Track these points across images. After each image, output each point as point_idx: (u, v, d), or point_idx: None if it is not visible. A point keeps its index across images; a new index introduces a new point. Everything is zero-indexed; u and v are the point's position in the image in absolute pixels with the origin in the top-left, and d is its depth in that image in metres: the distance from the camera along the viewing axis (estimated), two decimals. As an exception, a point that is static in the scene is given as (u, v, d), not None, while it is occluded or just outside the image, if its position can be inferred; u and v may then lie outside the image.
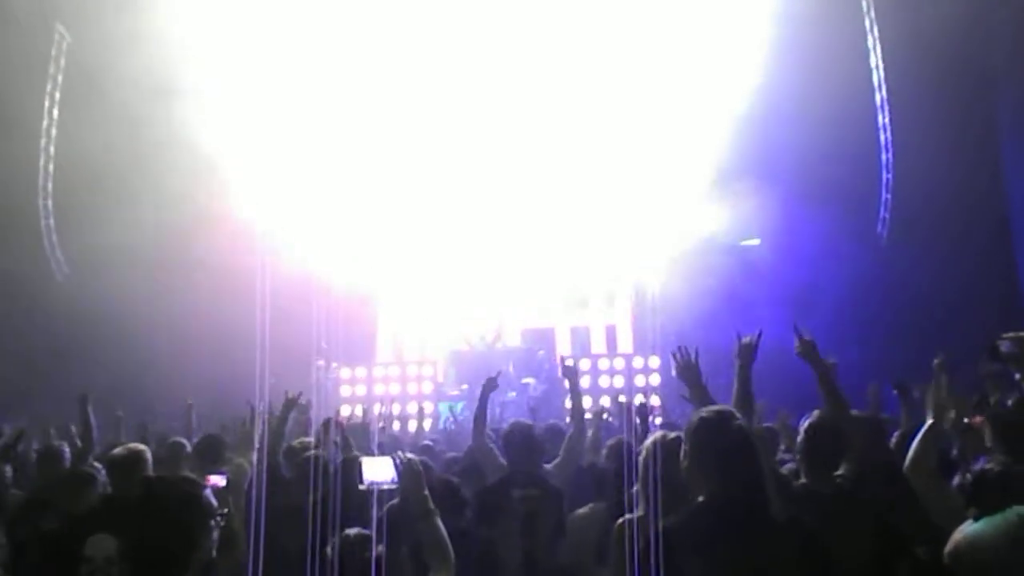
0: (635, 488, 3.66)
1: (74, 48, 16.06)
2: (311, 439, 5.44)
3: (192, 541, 2.61)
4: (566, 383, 6.41)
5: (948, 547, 3.25)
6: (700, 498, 2.87)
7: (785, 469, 4.40)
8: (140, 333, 14.09)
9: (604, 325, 16.67)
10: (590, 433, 6.24)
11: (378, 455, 3.66)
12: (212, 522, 2.70)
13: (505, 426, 5.47)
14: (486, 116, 14.90)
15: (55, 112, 16.17)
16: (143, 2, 13.12)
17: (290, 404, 5.60)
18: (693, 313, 13.74)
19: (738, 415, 3.00)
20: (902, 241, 14.77)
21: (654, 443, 3.48)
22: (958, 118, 13.69)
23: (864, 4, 15.22)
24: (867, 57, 15.31)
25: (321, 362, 13.07)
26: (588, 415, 6.45)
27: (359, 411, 12.69)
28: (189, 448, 5.91)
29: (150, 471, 4.36)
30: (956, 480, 3.96)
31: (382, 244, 15.29)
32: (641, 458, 3.54)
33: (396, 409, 14.16)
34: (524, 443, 5.08)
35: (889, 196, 15.19)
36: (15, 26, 14.64)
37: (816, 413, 4.06)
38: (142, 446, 4.61)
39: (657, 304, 12.60)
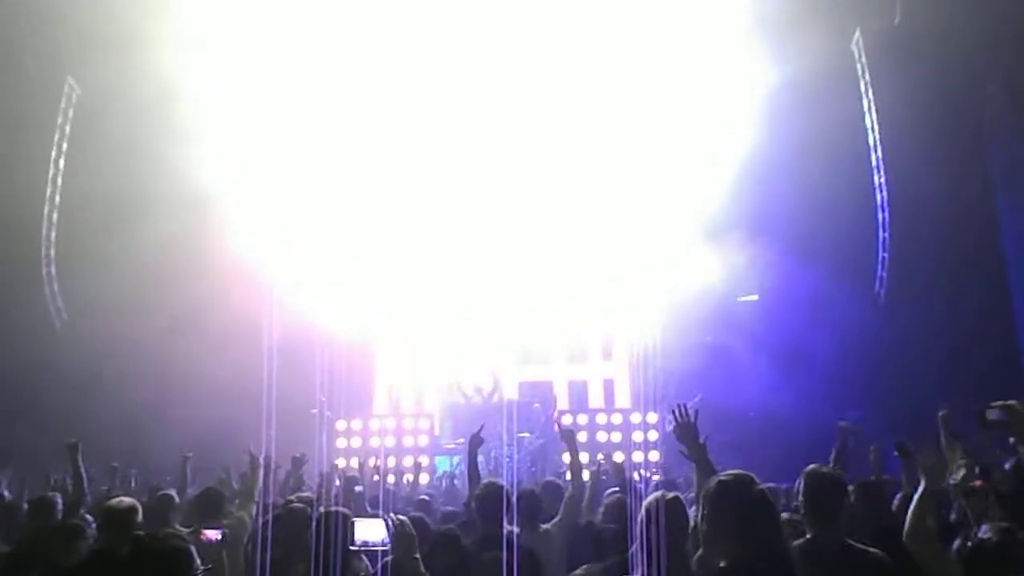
0: (633, 549, 3.61)
1: (82, 98, 16.32)
2: (310, 494, 5.38)
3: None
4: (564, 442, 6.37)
5: None
6: (722, 563, 2.83)
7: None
8: (137, 381, 14.04)
9: (602, 379, 16.63)
10: (587, 493, 6.19)
11: (370, 513, 3.64)
12: (198, 577, 2.69)
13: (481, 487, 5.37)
14: (487, 161, 15.01)
15: (61, 163, 16.35)
16: (146, 45, 13.33)
17: (298, 464, 5.57)
18: (691, 369, 13.75)
19: (757, 480, 2.97)
20: (899, 299, 14.81)
21: (655, 503, 3.45)
22: (953, 176, 13.84)
23: (859, 67, 15.52)
24: (863, 117, 15.55)
25: (315, 411, 13.00)
26: (586, 474, 6.41)
27: (355, 464, 12.58)
28: (178, 500, 5.83)
29: (138, 524, 4.31)
30: (956, 544, 3.92)
31: (381, 296, 15.31)
32: (640, 518, 3.50)
33: (391, 462, 14.05)
34: (497, 504, 4.98)
35: (886, 255, 15.27)
36: (25, 78, 14.92)
37: (813, 467, 4.03)
38: (132, 500, 4.56)
39: (655, 360, 12.60)
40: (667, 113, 14.74)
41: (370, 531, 3.48)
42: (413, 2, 14.36)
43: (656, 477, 9.02)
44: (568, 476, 6.11)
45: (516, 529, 5.04)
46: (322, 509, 4.59)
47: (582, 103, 14.79)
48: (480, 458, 14.23)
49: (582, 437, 14.13)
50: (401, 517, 3.42)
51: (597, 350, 16.89)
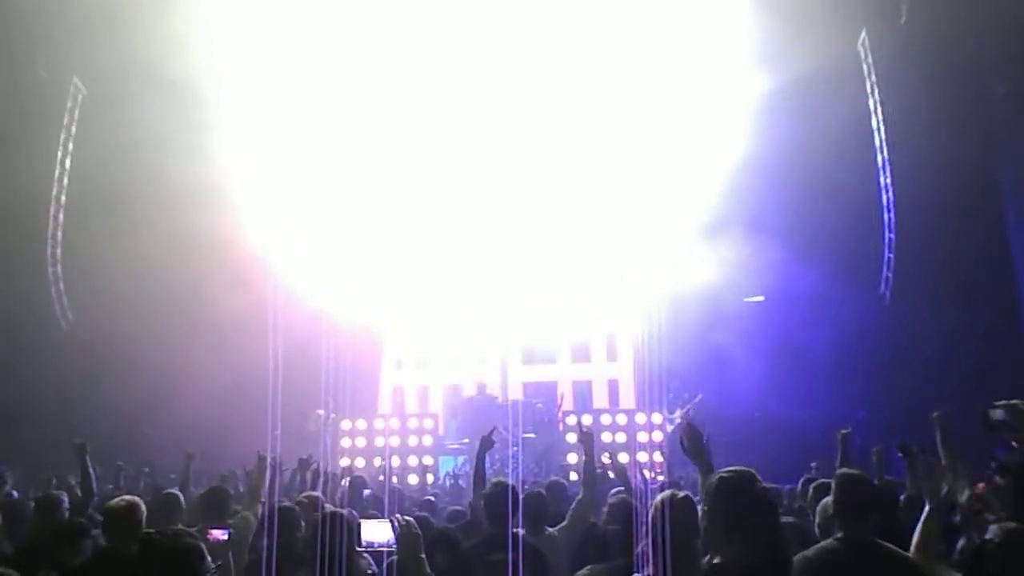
0: (639, 549, 3.59)
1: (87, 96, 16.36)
2: (318, 493, 5.39)
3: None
4: (572, 440, 6.36)
5: None
6: (716, 560, 2.82)
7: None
8: (141, 380, 14.05)
9: (606, 379, 16.64)
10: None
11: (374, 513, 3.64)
12: (206, 576, 2.70)
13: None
14: (494, 166, 15.02)
15: (67, 162, 16.39)
16: (151, 39, 13.35)
17: (304, 466, 5.57)
18: (694, 369, 13.75)
19: (758, 477, 2.96)
20: (905, 300, 14.76)
21: (663, 502, 3.44)
22: (960, 176, 13.78)
23: (865, 66, 15.48)
24: (869, 117, 15.51)
25: (320, 411, 13.02)
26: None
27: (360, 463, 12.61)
28: (182, 500, 5.84)
29: (143, 524, 4.31)
30: (960, 544, 3.92)
31: (387, 297, 15.33)
32: (652, 515, 3.49)
33: (396, 462, 14.07)
34: (505, 505, 4.96)
35: (892, 255, 15.23)
36: (31, 77, 14.96)
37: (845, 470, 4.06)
38: (137, 499, 4.56)
39: (659, 360, 12.57)
40: (673, 112, 14.73)
41: (376, 532, 3.49)
42: (421, 4, 14.40)
43: (661, 478, 9.01)
44: (572, 477, 6.09)
45: (521, 531, 5.04)
46: (328, 508, 4.61)
47: (589, 104, 14.80)
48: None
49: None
50: (407, 517, 3.43)
51: (602, 351, 16.89)
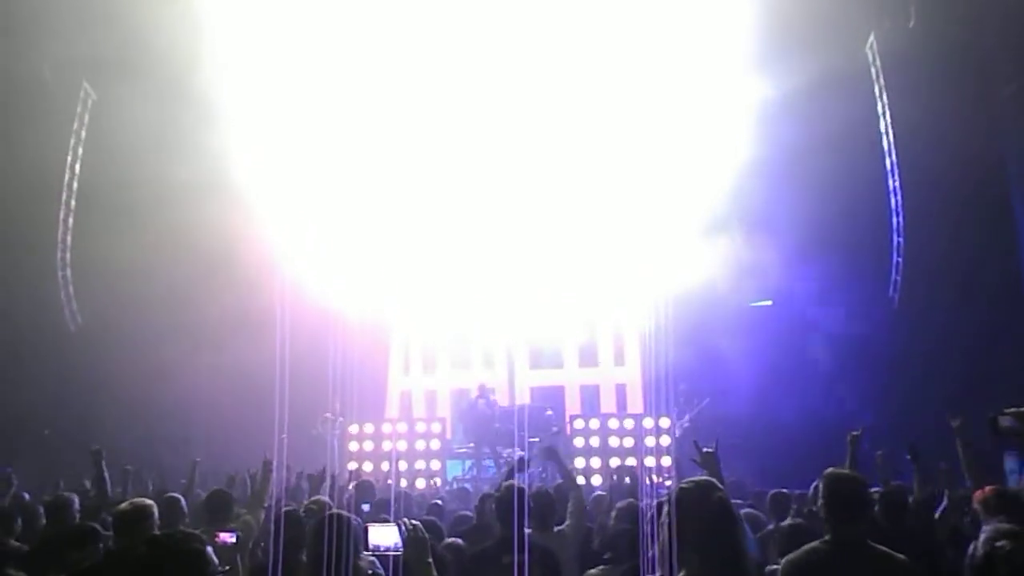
0: (651, 551, 3.59)
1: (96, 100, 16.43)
2: (326, 498, 5.40)
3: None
4: (579, 444, 6.47)
5: None
6: (681, 573, 2.80)
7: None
8: (150, 383, 14.09)
9: (614, 384, 16.62)
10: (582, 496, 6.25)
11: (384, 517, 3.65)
12: (215, 579, 2.69)
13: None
14: (498, 168, 14.99)
15: (77, 167, 16.45)
16: (163, 54, 13.43)
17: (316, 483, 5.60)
18: (701, 373, 13.72)
19: (720, 486, 2.95)
20: (913, 303, 14.70)
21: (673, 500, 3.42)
22: (969, 180, 13.71)
23: (873, 69, 15.44)
24: (877, 120, 15.46)
25: (328, 414, 13.05)
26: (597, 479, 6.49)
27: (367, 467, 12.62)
28: (184, 503, 5.86)
29: (155, 526, 4.33)
30: (970, 550, 3.90)
31: (395, 301, 15.36)
32: (665, 514, 3.48)
33: (403, 466, 14.08)
34: (518, 507, 5.00)
35: (900, 259, 15.17)
36: (41, 82, 15.04)
37: (832, 469, 4.03)
38: (148, 501, 4.58)
39: (666, 365, 12.54)
40: (681, 115, 14.70)
41: (383, 536, 3.50)
42: (426, 4, 14.43)
43: (668, 483, 9.01)
44: (580, 480, 6.16)
45: (528, 530, 5.07)
46: (334, 509, 4.62)
47: (598, 110, 14.79)
48: (488, 462, 14.25)
49: (594, 442, 14.19)
50: (414, 522, 3.43)
51: (609, 355, 16.87)
